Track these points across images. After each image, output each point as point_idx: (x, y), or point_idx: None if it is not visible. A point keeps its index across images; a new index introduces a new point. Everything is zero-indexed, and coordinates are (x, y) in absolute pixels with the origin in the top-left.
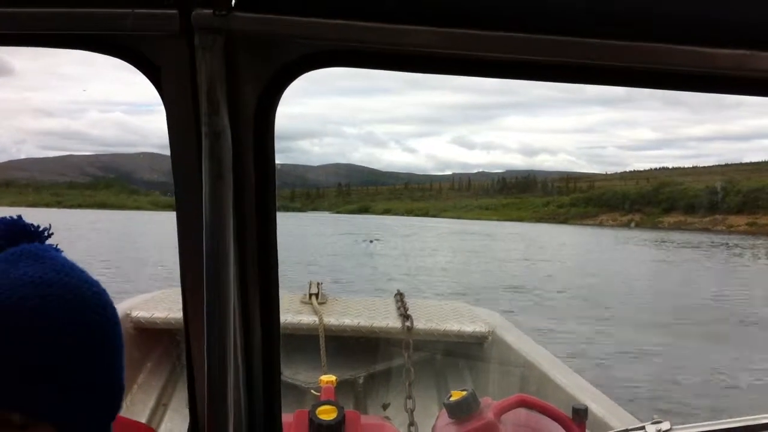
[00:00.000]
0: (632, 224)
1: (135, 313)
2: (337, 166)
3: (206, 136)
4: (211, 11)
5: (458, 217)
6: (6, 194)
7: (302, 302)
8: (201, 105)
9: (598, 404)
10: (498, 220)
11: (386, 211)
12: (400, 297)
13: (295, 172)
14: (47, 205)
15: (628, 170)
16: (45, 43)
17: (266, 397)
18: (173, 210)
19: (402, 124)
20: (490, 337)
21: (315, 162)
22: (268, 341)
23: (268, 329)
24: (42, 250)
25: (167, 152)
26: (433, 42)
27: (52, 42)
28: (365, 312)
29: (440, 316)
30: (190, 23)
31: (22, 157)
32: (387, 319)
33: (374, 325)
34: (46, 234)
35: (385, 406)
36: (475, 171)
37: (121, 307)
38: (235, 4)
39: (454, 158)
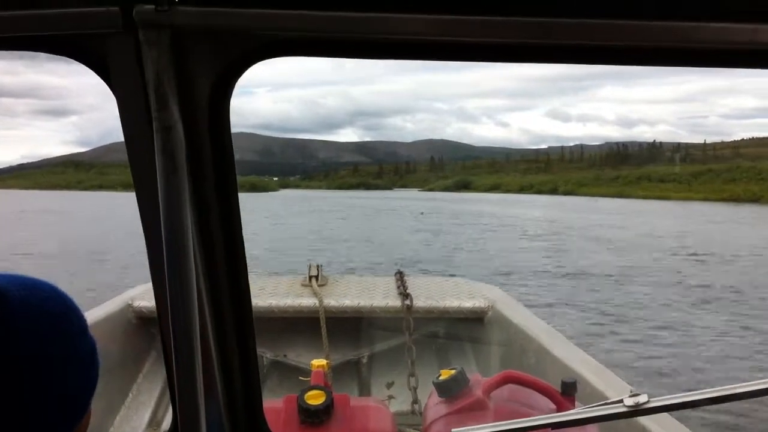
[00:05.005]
0: None
1: (137, 303)
2: (430, 142)
3: (157, 132)
4: (153, 7)
5: (619, 195)
6: (41, 175)
7: (303, 285)
8: (150, 100)
9: (597, 376)
10: (707, 199)
11: (493, 188)
12: (399, 276)
13: (386, 149)
14: (86, 188)
15: (735, 139)
16: None
17: (245, 382)
18: (257, 191)
19: (493, 98)
20: (489, 312)
21: (408, 138)
22: (241, 327)
23: (240, 315)
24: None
25: (265, 132)
26: (388, 28)
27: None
28: (365, 292)
29: (440, 292)
30: (132, 19)
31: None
32: (387, 299)
33: (374, 305)
34: None
35: (388, 385)
36: (571, 144)
37: (123, 297)
38: None
39: (548, 131)
